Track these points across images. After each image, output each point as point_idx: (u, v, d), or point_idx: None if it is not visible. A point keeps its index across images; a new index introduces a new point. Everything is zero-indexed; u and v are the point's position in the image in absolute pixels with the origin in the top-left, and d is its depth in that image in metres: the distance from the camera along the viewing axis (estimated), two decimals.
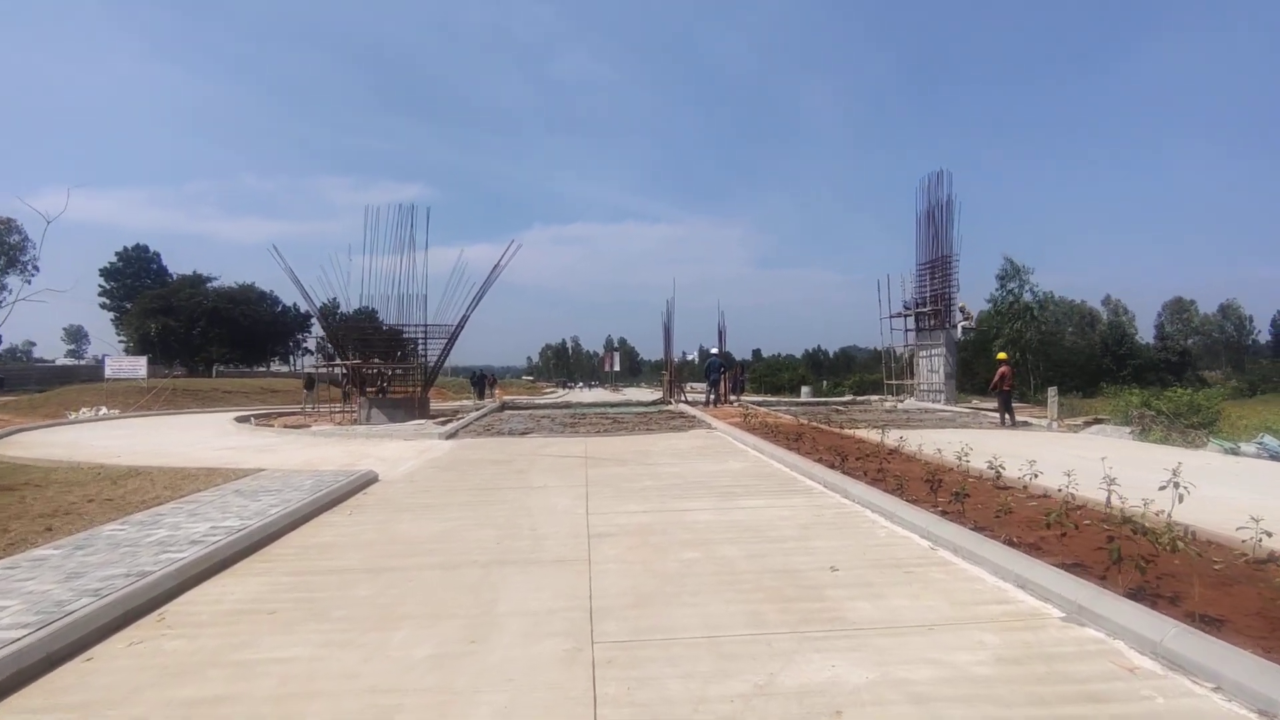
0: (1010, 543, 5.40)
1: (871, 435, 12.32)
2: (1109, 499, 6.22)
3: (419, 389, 23.52)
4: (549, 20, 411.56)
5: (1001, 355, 20.63)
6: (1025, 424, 18.11)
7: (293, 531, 6.75)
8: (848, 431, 13.31)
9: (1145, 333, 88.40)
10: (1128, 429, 16.63)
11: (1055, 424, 17.80)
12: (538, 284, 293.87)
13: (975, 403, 24.75)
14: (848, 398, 33.77)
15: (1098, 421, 18.39)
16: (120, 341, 65.07)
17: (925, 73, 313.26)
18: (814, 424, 15.58)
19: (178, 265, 73.21)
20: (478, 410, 23.18)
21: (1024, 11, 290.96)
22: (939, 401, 25.20)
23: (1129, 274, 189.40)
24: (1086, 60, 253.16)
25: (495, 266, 23.72)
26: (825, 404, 28.61)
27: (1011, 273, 47.18)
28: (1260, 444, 12.11)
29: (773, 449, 11.28)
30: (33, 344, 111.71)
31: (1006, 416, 17.82)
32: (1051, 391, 19.19)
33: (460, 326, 23.65)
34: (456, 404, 33.00)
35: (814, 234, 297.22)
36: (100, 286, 71.42)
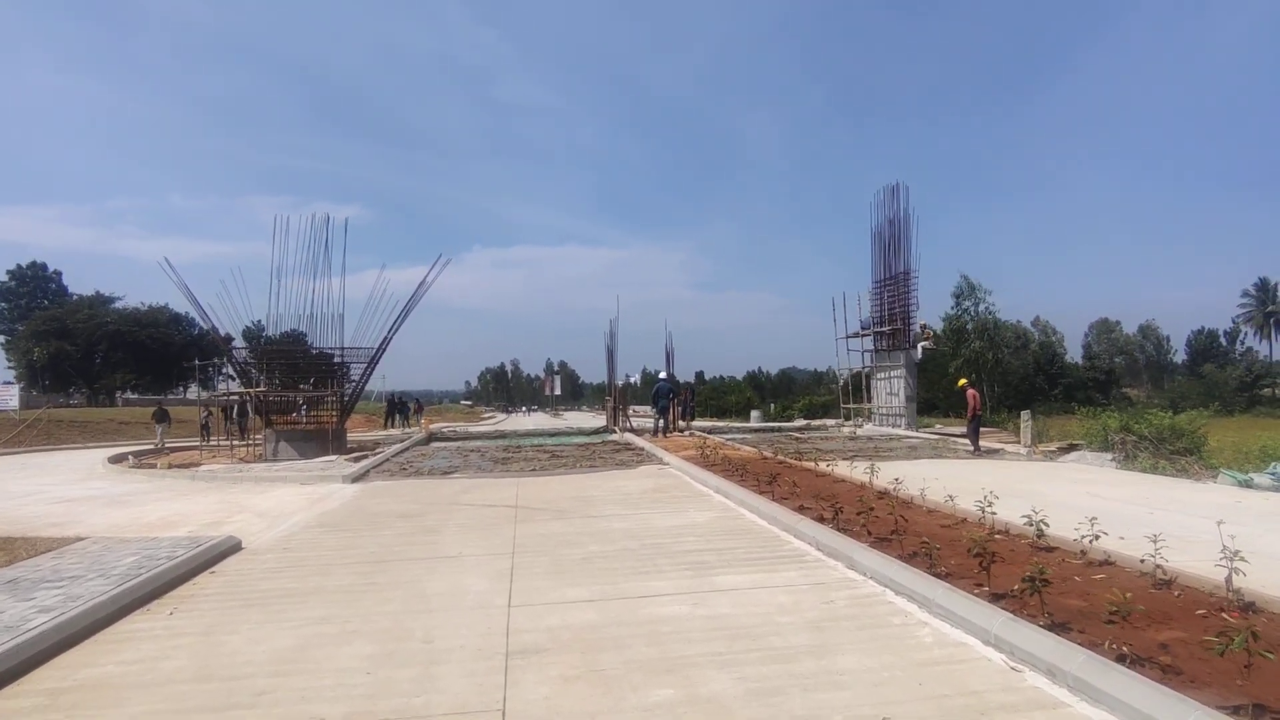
0: (1167, 672, 3.61)
1: (854, 473, 10.60)
2: (1230, 578, 4.55)
3: (334, 419, 20.90)
4: (492, 45, 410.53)
5: (962, 381, 19.38)
6: (995, 451, 16.82)
7: (64, 654, 4.50)
8: (823, 468, 11.59)
9: (1073, 353, 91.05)
10: (1108, 455, 15.44)
11: (1031, 451, 16.53)
12: (477, 307, 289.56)
13: (939, 427, 23.61)
14: (801, 423, 32.38)
15: (1073, 447, 17.23)
16: (9, 368, 59.32)
17: (856, 105, 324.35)
18: (780, 458, 13.83)
19: (96, 286, 67.38)
20: (401, 443, 20.69)
21: (945, 45, 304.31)
22: (899, 426, 23.91)
23: (1049, 296, 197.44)
24: (1005, 92, 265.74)
25: (421, 284, 21.37)
26: (779, 430, 27.06)
27: (967, 291, 46.93)
28: (1275, 475, 10.88)
29: (742, 493, 9.41)
30: None
31: (979, 444, 16.50)
32: (1025, 415, 18.03)
33: (382, 348, 21.08)
34: (384, 433, 30.24)
35: (754, 258, 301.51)
36: None
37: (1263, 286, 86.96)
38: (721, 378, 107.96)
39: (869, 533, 6.86)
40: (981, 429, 18.32)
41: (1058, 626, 4.26)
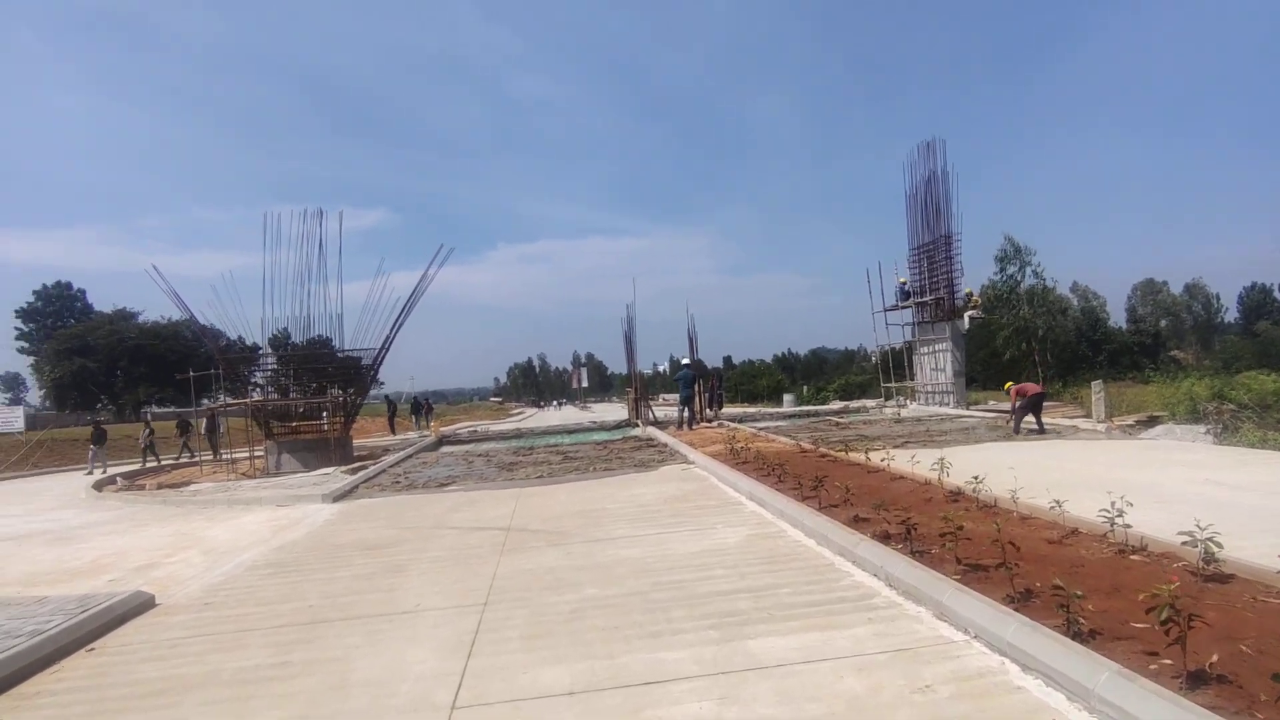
0: None
1: (914, 468, 8.78)
2: None
3: (338, 427, 19.53)
4: (502, 42, 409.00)
5: (1008, 385, 16.95)
6: (1066, 429, 14.78)
7: None
8: (874, 461, 9.80)
9: (1116, 318, 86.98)
10: (1200, 428, 13.39)
11: (1109, 427, 14.49)
12: (503, 304, 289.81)
13: (993, 403, 21.53)
14: (838, 405, 30.34)
15: (1153, 420, 15.16)
16: (41, 389, 59.56)
17: (876, 76, 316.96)
18: (821, 450, 12.03)
19: (131, 302, 67.15)
20: (405, 450, 19.26)
21: (969, 6, 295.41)
22: (948, 404, 21.90)
23: (1087, 261, 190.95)
24: (1031, 53, 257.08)
25: (423, 276, 19.83)
26: (815, 414, 25.15)
27: (1012, 254, 43.90)
28: None
29: (781, 501, 7.67)
30: None
31: (1037, 422, 14.32)
32: (1096, 386, 15.93)
33: (386, 346, 19.69)
34: (399, 437, 28.83)
35: (777, 239, 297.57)
36: (17, 329, 65.74)
37: None
38: (750, 361, 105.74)
39: (957, 560, 5.10)
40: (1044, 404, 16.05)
41: None
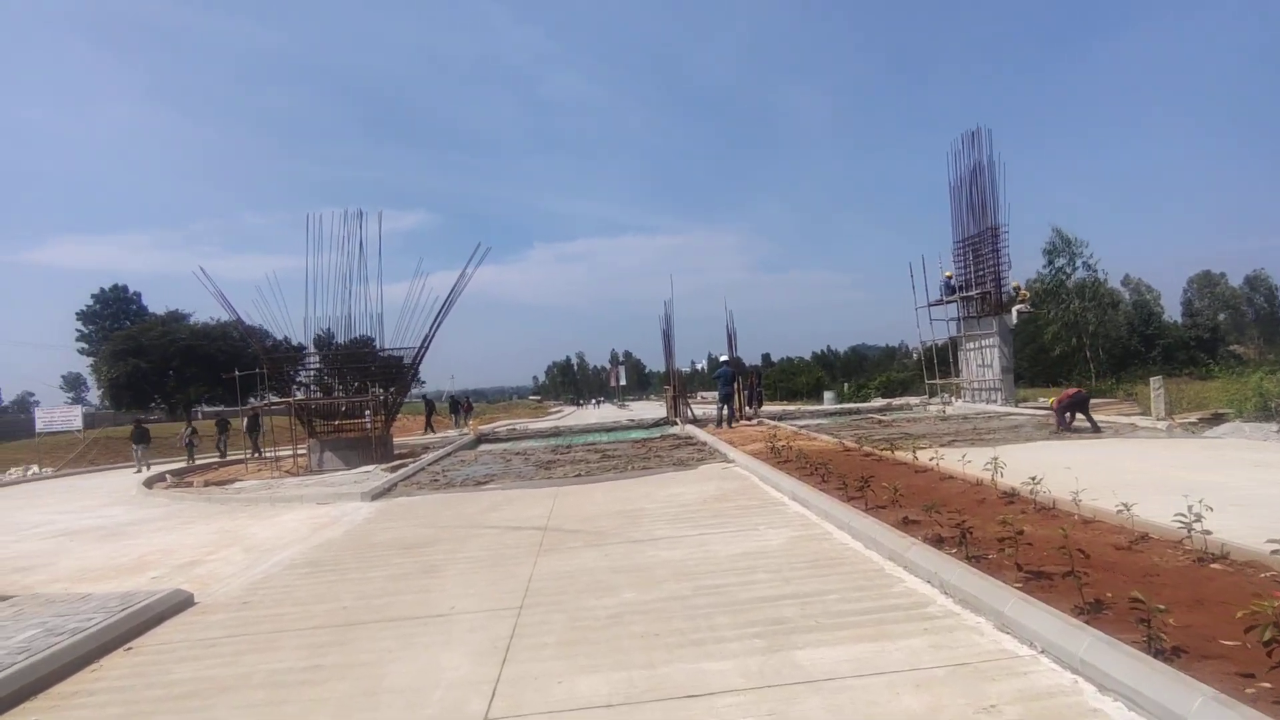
0: None
1: (965, 467, 8.40)
2: None
3: (379, 424, 19.72)
4: (537, 43, 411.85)
5: (1052, 401, 16.18)
6: (1124, 428, 14.11)
7: None
8: (922, 460, 9.44)
9: (1170, 311, 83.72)
10: (1273, 426, 12.65)
11: (1170, 425, 13.81)
12: (542, 302, 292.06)
13: (1043, 400, 20.76)
14: (880, 403, 29.68)
15: (1218, 417, 14.40)
16: (99, 389, 61.66)
17: (912, 64, 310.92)
18: (865, 448, 11.68)
19: (185, 304, 69.11)
20: (443, 448, 19.35)
21: None
22: (995, 401, 21.21)
23: (1138, 254, 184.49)
24: (1068, 42, 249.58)
25: (461, 275, 19.90)
26: (857, 412, 24.63)
27: (1061, 246, 42.29)
28: None
29: (826, 502, 7.40)
30: (32, 395, 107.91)
31: (1089, 420, 13.66)
32: (1155, 382, 15.19)
33: (425, 345, 19.83)
34: (438, 435, 29.05)
35: (813, 235, 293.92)
36: (78, 331, 68.33)
37: None
38: (789, 359, 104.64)
39: (1018, 566, 4.80)
40: (1092, 400, 15.22)
41: None
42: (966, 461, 8.38)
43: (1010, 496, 7.19)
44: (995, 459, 7.48)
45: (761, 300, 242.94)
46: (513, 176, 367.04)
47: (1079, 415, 13.68)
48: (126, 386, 52.73)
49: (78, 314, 68.57)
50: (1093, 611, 3.96)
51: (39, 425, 26.34)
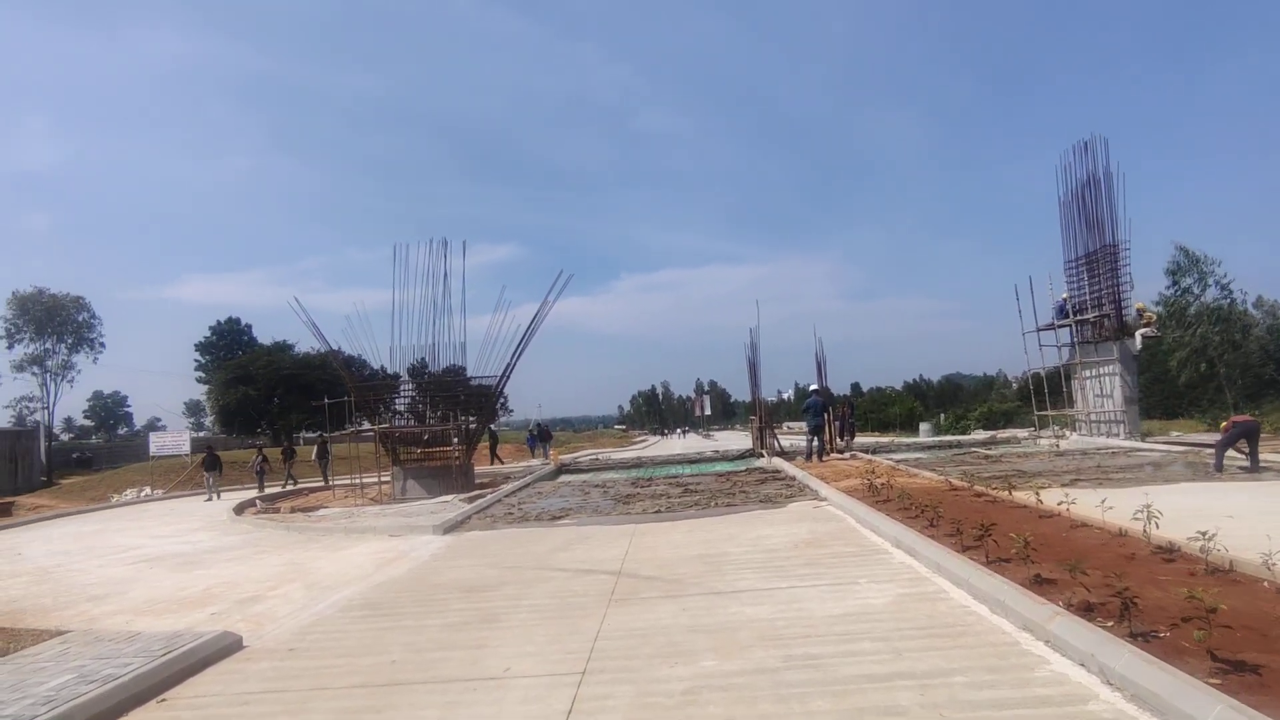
0: None
1: (1104, 514, 7.18)
2: None
3: (462, 454, 19.62)
4: (626, 80, 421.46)
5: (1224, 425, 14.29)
6: (1277, 471, 12.20)
7: None
8: (1047, 504, 8.21)
9: None
10: None
11: None
12: (627, 332, 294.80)
13: (1177, 434, 18.59)
14: (984, 435, 27.60)
15: None
16: (212, 415, 65.68)
17: (1009, 84, 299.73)
18: (976, 487, 10.45)
19: (292, 337, 73.21)
20: (526, 477, 19.04)
21: (1108, 5, 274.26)
22: (1117, 435, 19.16)
23: (1270, 275, 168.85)
24: (1189, 47, 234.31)
25: (543, 302, 19.75)
26: (958, 445, 22.87)
27: (1187, 265, 38.57)
28: None
29: (938, 552, 6.40)
30: (159, 420, 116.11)
31: (1250, 456, 11.90)
32: None
33: (507, 373, 19.69)
34: (525, 464, 28.86)
35: (905, 262, 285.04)
36: (195, 360, 73.22)
37: None
38: (879, 388, 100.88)
39: (1210, 654, 3.75)
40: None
41: None
42: (1108, 507, 7.16)
43: (1168, 553, 6.00)
44: (1148, 506, 6.27)
45: (851, 329, 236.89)
46: (603, 209, 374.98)
47: (1239, 449, 11.92)
48: (236, 412, 55.91)
49: (196, 345, 73.43)
50: None
51: (152, 449, 27.82)
